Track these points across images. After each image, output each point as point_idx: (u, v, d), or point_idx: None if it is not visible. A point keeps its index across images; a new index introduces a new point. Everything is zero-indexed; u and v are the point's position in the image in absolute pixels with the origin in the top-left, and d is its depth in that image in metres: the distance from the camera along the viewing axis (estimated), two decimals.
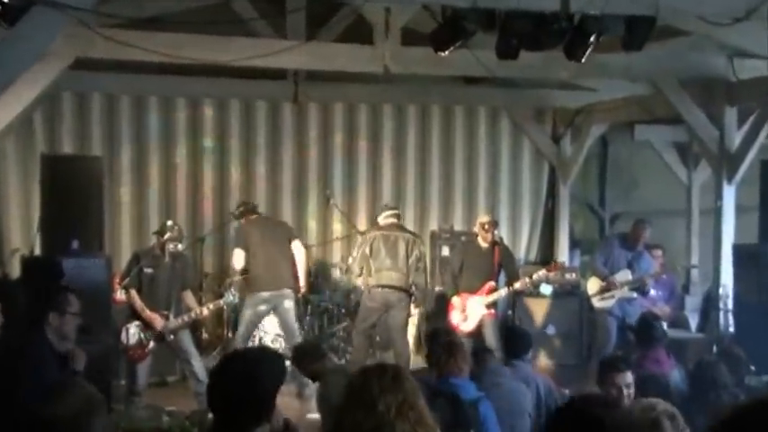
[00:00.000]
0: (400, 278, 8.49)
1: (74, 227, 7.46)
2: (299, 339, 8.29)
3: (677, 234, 11.64)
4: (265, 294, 8.38)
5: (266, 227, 8.74)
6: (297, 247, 8.64)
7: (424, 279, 8.70)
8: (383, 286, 8.48)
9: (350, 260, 9.44)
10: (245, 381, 3.03)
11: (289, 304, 8.44)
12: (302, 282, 8.63)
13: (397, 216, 8.96)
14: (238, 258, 8.47)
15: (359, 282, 8.89)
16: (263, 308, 8.45)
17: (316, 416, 6.60)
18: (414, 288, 8.57)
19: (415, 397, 3.07)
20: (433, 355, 5.28)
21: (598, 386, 5.08)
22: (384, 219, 8.81)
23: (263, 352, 3.55)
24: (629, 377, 4.95)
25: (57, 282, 5.28)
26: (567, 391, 7.12)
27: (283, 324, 8.62)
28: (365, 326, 8.65)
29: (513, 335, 6.59)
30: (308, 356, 6.19)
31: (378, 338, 9.46)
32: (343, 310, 10.00)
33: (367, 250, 8.59)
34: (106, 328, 7.27)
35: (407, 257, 8.54)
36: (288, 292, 8.43)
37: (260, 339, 9.04)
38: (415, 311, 9.16)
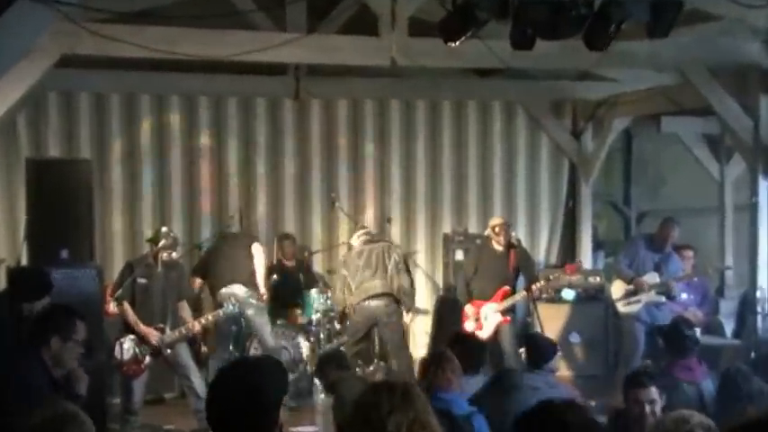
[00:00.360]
0: (384, 285, 8.68)
1: (62, 235, 7.48)
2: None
3: (709, 233, 11.60)
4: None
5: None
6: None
7: (408, 281, 8.88)
8: (369, 298, 8.68)
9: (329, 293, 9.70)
10: (247, 392, 3.02)
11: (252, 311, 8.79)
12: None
13: (369, 233, 9.27)
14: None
15: (347, 302, 8.97)
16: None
17: (310, 429, 6.64)
18: (400, 293, 8.73)
19: (426, 415, 3.04)
20: (423, 368, 5.33)
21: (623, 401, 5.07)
22: (356, 239, 9.10)
23: (265, 361, 3.53)
24: (653, 393, 4.93)
25: (64, 304, 5.27)
26: (593, 403, 7.12)
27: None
28: (353, 340, 8.85)
29: (536, 342, 6.58)
30: (332, 364, 6.20)
31: (375, 353, 9.52)
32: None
33: (344, 272, 8.85)
34: (99, 343, 7.27)
35: (385, 264, 8.73)
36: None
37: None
38: (407, 318, 9.21)
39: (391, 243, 9.31)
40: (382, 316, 8.69)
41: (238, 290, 8.74)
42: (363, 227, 9.57)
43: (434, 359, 5.26)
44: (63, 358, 4.68)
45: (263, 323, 8.96)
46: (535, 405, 2.88)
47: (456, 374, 5.22)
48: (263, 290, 9.06)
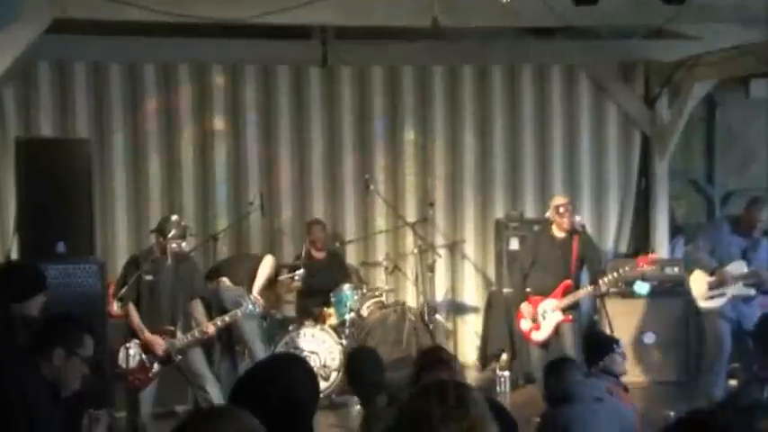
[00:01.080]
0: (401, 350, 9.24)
1: (58, 226, 7.55)
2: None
3: None
4: None
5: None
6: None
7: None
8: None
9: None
10: (278, 400, 3.04)
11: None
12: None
13: (381, 302, 9.88)
14: None
15: None
16: None
17: None
18: None
19: (484, 424, 2.99)
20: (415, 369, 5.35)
21: None
22: (366, 309, 9.70)
23: (295, 365, 3.49)
24: None
25: (70, 314, 5.29)
26: (671, 414, 7.08)
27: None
28: None
29: (591, 338, 6.55)
30: (370, 365, 6.20)
31: None
32: None
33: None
34: (101, 349, 7.32)
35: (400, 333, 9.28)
36: None
37: None
38: None
39: (405, 306, 9.62)
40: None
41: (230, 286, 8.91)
42: (374, 295, 9.96)
43: (426, 358, 5.27)
44: (66, 376, 4.66)
45: (253, 329, 9.04)
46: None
47: (454, 376, 5.20)
48: (257, 293, 9.19)
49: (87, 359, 4.73)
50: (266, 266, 9.46)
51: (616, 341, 6.51)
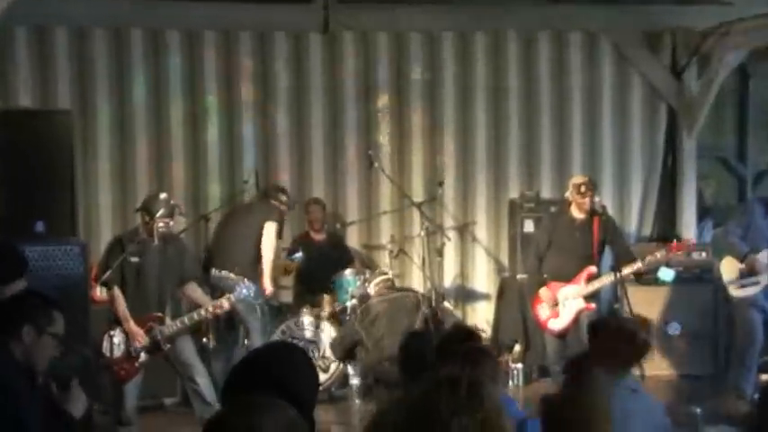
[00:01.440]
0: None
1: (38, 204, 7.54)
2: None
3: None
4: None
5: None
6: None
7: None
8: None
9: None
10: (273, 391, 3.00)
11: None
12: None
13: (389, 281, 9.60)
14: None
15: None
16: None
17: None
18: None
19: (498, 417, 2.96)
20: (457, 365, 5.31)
21: None
22: (373, 287, 9.42)
23: (295, 353, 3.47)
24: None
25: (38, 291, 5.30)
26: (698, 410, 7.06)
27: None
28: None
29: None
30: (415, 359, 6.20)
31: None
32: None
33: (357, 327, 9.04)
34: (83, 337, 7.33)
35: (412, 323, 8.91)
36: None
37: None
38: None
39: (419, 294, 9.48)
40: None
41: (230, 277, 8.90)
42: (383, 272, 9.72)
43: (470, 354, 5.23)
44: (36, 355, 4.69)
45: (253, 323, 9.01)
46: None
47: (495, 372, 5.20)
48: (268, 284, 9.13)
49: (58, 337, 4.76)
50: (268, 239, 9.30)
51: None
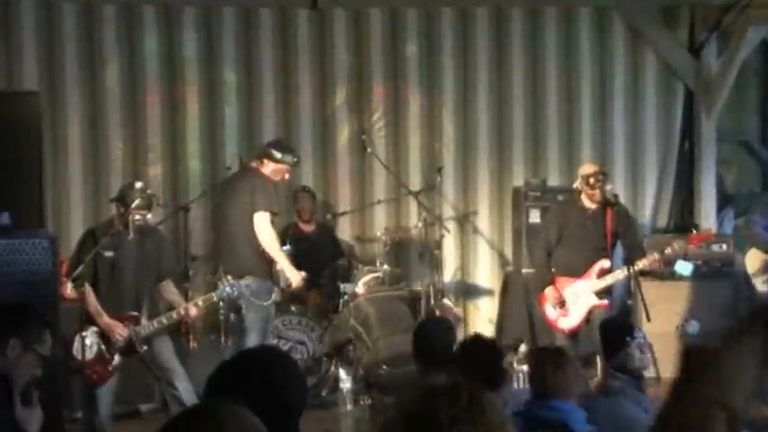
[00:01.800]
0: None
1: (2, 193, 7.49)
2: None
3: None
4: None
5: None
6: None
7: None
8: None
9: None
10: (258, 396, 2.97)
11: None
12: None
13: (379, 278, 9.62)
14: None
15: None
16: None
17: None
18: None
19: (502, 429, 2.97)
20: (535, 366, 5.25)
21: None
22: (361, 286, 9.50)
23: (279, 356, 3.45)
24: None
25: (34, 307, 5.30)
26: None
27: None
28: None
29: (604, 332, 6.52)
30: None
31: None
32: None
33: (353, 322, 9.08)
34: (52, 337, 7.28)
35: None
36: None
37: None
38: None
39: (414, 292, 9.70)
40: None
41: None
42: (372, 270, 9.74)
43: (552, 355, 5.19)
44: (16, 370, 4.72)
45: (251, 322, 8.80)
46: None
47: (577, 379, 5.15)
48: (292, 275, 8.76)
49: (43, 358, 4.77)
50: (262, 232, 8.63)
51: (631, 329, 6.40)
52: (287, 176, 8.98)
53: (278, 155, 8.72)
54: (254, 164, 8.81)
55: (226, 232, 8.92)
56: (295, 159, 8.95)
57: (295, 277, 8.75)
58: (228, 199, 8.89)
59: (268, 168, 8.70)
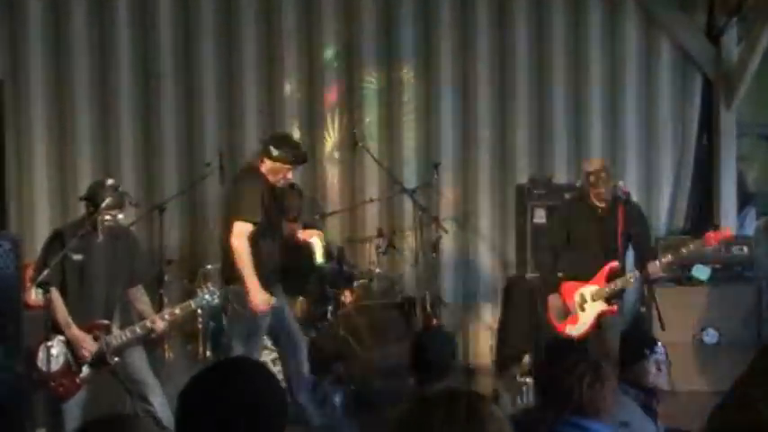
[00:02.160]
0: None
1: None
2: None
3: None
4: None
5: None
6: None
7: None
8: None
9: None
10: (236, 409, 3.00)
11: None
12: None
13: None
14: None
15: None
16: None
17: None
18: None
19: None
20: (574, 377, 5.23)
21: None
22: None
23: (256, 368, 3.44)
24: None
25: None
26: None
27: None
28: None
29: (624, 342, 6.52)
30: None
31: None
32: None
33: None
34: (15, 347, 7.27)
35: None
36: None
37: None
38: None
39: (407, 298, 9.68)
40: None
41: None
42: (360, 277, 9.92)
43: (591, 368, 5.18)
44: None
45: (236, 333, 8.74)
46: None
47: (614, 396, 5.12)
48: (254, 296, 8.51)
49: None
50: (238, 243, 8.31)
51: (651, 344, 6.38)
52: (289, 176, 8.57)
53: (275, 152, 8.30)
54: (257, 161, 8.59)
55: (219, 235, 8.92)
56: (296, 158, 8.47)
57: (260, 298, 8.21)
58: (226, 200, 8.96)
59: (266, 167, 8.36)
